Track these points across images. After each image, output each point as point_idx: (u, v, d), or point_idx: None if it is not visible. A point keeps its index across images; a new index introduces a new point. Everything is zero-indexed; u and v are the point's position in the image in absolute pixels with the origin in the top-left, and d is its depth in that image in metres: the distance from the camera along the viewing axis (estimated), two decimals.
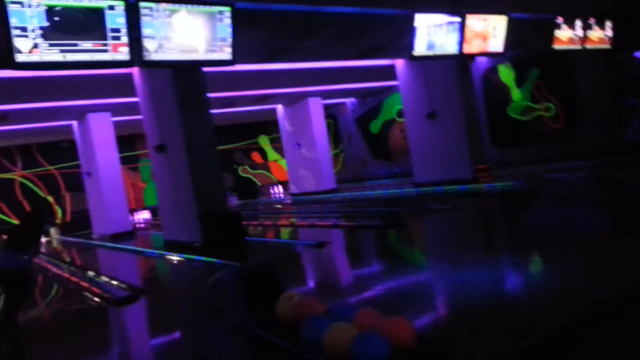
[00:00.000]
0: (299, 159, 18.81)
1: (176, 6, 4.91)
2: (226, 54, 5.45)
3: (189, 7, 5.01)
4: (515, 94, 15.35)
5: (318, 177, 18.04)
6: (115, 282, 6.97)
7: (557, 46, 8.62)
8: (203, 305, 3.42)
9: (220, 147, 21.51)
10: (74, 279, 7.93)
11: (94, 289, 6.75)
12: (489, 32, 7.64)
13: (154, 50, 4.83)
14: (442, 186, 12.51)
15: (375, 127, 20.61)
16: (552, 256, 4.98)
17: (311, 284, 5.80)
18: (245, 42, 9.72)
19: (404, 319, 2.37)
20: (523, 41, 12.77)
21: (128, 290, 6.20)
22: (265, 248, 8.45)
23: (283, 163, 21.36)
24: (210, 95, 12.54)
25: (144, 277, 8.28)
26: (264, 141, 23.95)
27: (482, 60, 15.62)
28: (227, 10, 5.31)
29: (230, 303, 3.09)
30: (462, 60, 11.24)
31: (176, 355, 3.89)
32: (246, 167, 23.29)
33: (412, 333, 2.31)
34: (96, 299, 6.33)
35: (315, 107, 18.14)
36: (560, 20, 8.61)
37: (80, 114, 13.86)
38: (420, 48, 6.92)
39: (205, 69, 8.67)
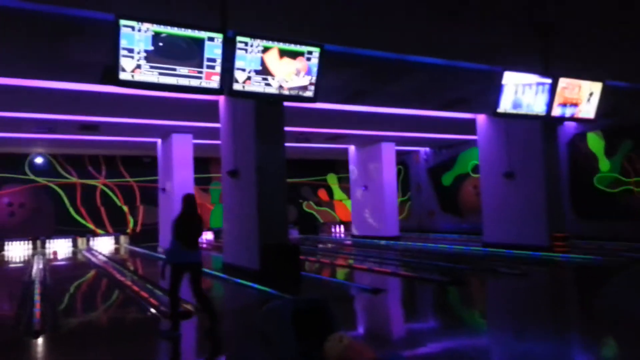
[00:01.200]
0: (365, 202, 18.74)
1: (270, 43, 5.18)
2: (309, 92, 5.62)
3: (281, 45, 5.27)
4: (604, 164, 14.51)
5: (382, 223, 17.82)
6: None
7: None
8: (254, 333, 3.41)
9: (288, 180, 22.14)
10: (135, 287, 8.24)
11: (152, 300, 6.97)
12: (582, 97, 7.34)
13: (242, 82, 5.09)
14: (513, 250, 11.91)
15: (447, 179, 20.20)
16: (614, 339, 4.55)
17: (360, 329, 5.64)
18: (328, 82, 10.02)
19: None
20: (617, 110, 12.17)
21: (181, 307, 6.33)
22: (320, 285, 8.36)
23: (348, 203, 21.36)
24: (287, 128, 13.01)
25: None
26: (332, 179, 24.16)
27: (570, 126, 15.00)
28: (316, 50, 5.52)
29: (280, 334, 3.06)
30: (549, 122, 10.84)
31: None
32: (311, 202, 23.51)
33: None
34: (152, 309, 6.51)
35: (388, 152, 18.13)
36: None
37: (165, 133, 14.75)
38: (505, 105, 6.76)
39: (286, 103, 8.98)
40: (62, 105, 10.49)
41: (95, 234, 18.85)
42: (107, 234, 19.04)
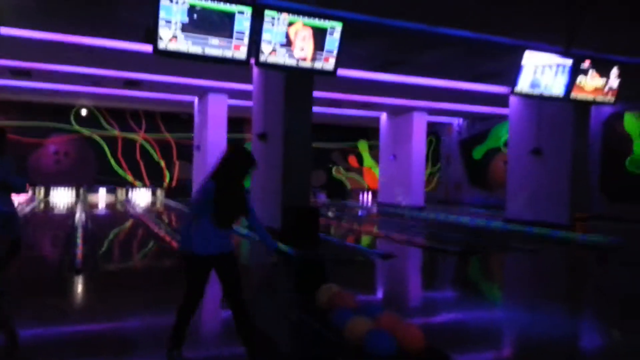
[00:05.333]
0: (393, 170, 18.99)
1: (295, 17, 5.50)
2: (330, 64, 5.94)
3: (306, 19, 5.58)
4: (638, 146, 14.27)
5: (407, 192, 18.10)
6: None
7: None
8: (263, 283, 3.95)
9: (319, 145, 22.57)
10: (168, 238, 8.96)
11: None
12: (602, 84, 7.35)
13: (268, 53, 5.46)
14: (534, 227, 12.07)
15: (478, 153, 20.15)
16: (608, 318, 4.87)
17: (362, 287, 6.11)
18: (360, 51, 10.25)
19: (417, 328, 2.67)
20: (632, 95, 11.83)
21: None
22: (335, 247, 8.88)
23: (377, 171, 21.66)
24: (319, 94, 13.30)
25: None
26: (362, 146, 24.41)
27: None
28: (339, 25, 5.80)
29: (283, 285, 3.58)
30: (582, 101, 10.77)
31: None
32: (341, 168, 23.91)
33: (420, 341, 2.60)
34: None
35: (419, 122, 18.18)
36: None
37: (202, 92, 15.30)
38: (523, 85, 6.89)
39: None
40: (107, 62, 11.12)
41: (133, 186, 19.91)
42: (145, 186, 20.08)
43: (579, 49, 7.50)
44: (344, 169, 24.00)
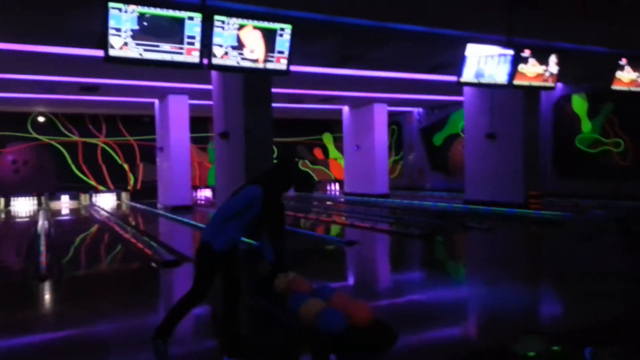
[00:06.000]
0: (356, 161, 19.38)
1: (245, 21, 5.70)
2: (282, 65, 6.16)
3: (256, 22, 5.78)
4: (586, 125, 15.03)
5: (372, 181, 18.52)
6: (166, 248, 7.94)
7: (616, 87, 8.56)
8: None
9: (284, 140, 22.79)
10: (134, 241, 9.03)
11: (147, 251, 7.75)
12: (542, 71, 7.83)
13: (220, 56, 5.63)
14: (492, 207, 12.63)
15: (438, 139, 20.74)
16: (547, 284, 5.31)
17: (322, 273, 6.40)
18: (315, 48, 10.49)
19: (364, 304, 2.95)
20: (584, 78, 12.55)
21: (175, 256, 7.11)
22: (302, 238, 9.15)
23: (342, 162, 22.01)
24: (280, 90, 13.48)
25: (193, 246, 9.25)
26: (327, 139, 24.73)
27: (556, 88, 15.37)
28: (288, 27, 6.02)
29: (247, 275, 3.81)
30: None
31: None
32: (307, 161, 24.18)
33: (368, 315, 2.88)
34: (152, 263, 7.24)
35: (380, 113, 18.60)
36: (623, 61, 8.54)
37: (162, 94, 15.25)
38: (467, 76, 7.28)
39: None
40: (61, 68, 11.00)
41: (97, 191, 19.65)
42: (109, 190, 19.85)
43: (520, 38, 7.92)
44: (310, 162, 24.28)
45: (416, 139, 21.88)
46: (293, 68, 9.04)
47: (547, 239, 9.03)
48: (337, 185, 24.07)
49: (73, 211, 16.55)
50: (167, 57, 5.36)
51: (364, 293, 5.17)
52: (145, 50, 5.26)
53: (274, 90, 10.27)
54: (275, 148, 23.11)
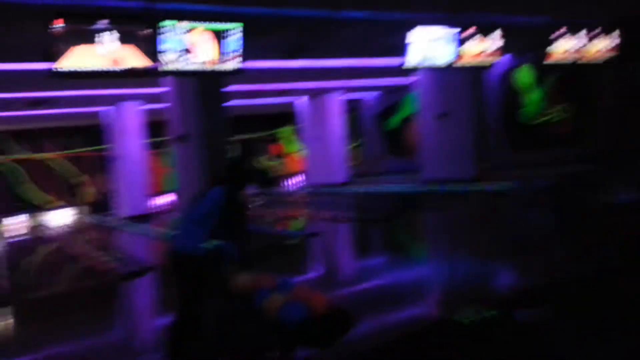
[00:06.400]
0: (316, 152, 19.57)
1: (194, 23, 5.76)
2: (235, 64, 6.26)
3: (205, 24, 5.86)
4: (533, 95, 15.63)
5: (331, 171, 18.74)
6: (126, 260, 7.90)
7: (552, 60, 9.02)
8: None
9: (242, 137, 22.70)
10: (91, 255, 8.89)
11: (107, 265, 7.67)
12: (487, 47, 8.18)
13: (170, 61, 5.70)
14: (446, 184, 13.10)
15: (394, 123, 21.16)
16: (490, 252, 5.71)
17: (285, 267, 6.59)
18: (267, 42, 10.56)
19: (322, 295, 3.20)
20: (525, 49, 13.07)
21: (136, 267, 7.09)
22: (264, 236, 9.29)
23: (303, 154, 22.14)
24: (234, 87, 13.46)
25: (154, 255, 9.25)
26: (286, 132, 24.78)
27: (503, 60, 15.90)
28: (239, 26, 6.11)
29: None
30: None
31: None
32: (267, 156, 24.20)
33: (326, 304, 3.11)
34: (108, 274, 7.19)
35: (335, 102, 18.82)
36: (563, 30, 8.92)
37: (114, 101, 14.98)
38: (412, 61, 7.58)
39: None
40: (5, 84, 10.69)
41: (52, 207, 19.10)
42: (64, 205, 19.33)
43: (464, 15, 8.19)
44: (269, 156, 24.31)
45: (373, 125, 22.23)
46: (246, 64, 9.11)
47: (496, 211, 9.52)
48: (299, 177, 24.22)
49: (28, 230, 16.10)
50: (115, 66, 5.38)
51: (327, 282, 5.41)
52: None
53: (229, 88, 10.31)
54: (235, 146, 23.04)
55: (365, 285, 5.26)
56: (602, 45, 9.73)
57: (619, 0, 9.42)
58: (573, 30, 9.30)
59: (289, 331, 3.04)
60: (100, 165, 19.39)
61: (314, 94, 18.98)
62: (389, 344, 3.26)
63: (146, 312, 5.58)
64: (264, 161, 24.12)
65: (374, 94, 21.69)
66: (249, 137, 23.49)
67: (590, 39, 9.53)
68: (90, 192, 19.83)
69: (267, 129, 24.23)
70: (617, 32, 10.35)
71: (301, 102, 20.06)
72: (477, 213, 9.83)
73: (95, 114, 16.51)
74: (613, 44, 9.93)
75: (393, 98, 20.93)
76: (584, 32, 9.47)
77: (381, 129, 21.68)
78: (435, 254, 6.31)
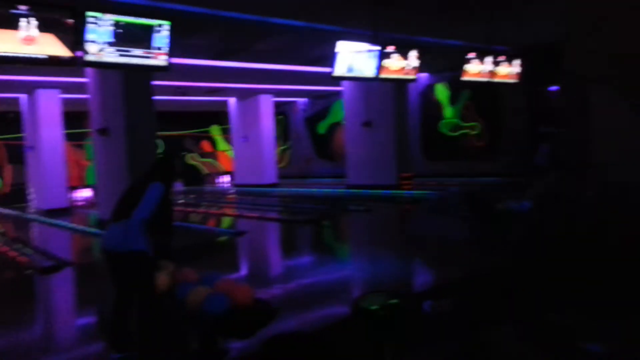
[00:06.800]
0: (245, 152, 19.60)
1: (119, 17, 5.71)
2: (161, 60, 6.25)
3: (132, 19, 5.82)
4: (448, 111, 16.76)
5: (261, 171, 18.89)
6: (42, 254, 7.59)
7: (466, 78, 9.84)
8: None
9: (171, 133, 22.21)
10: (4, 249, 8.43)
11: (22, 259, 7.34)
12: (404, 65, 8.77)
13: (94, 53, 5.61)
14: (370, 190, 13.70)
15: (322, 128, 21.65)
16: (391, 253, 6.25)
17: (213, 264, 6.71)
18: (198, 41, 10.52)
19: (247, 287, 3.37)
20: (444, 68, 14.09)
21: (53, 261, 6.85)
22: (191, 233, 9.27)
23: (231, 154, 22.06)
24: (164, 83, 13.21)
25: (72, 250, 8.94)
26: (215, 131, 24.52)
27: (423, 77, 16.94)
28: (166, 23, 6.13)
29: None
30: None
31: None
32: (195, 154, 23.82)
33: (249, 296, 3.29)
34: (23, 269, 6.93)
35: (265, 104, 18.97)
36: (472, 55, 9.83)
37: (30, 88, 14.13)
38: (340, 70, 7.97)
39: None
40: None
41: None
42: None
43: (385, 33, 8.76)
44: (199, 154, 23.95)
45: (302, 129, 22.61)
46: (176, 60, 8.99)
47: (409, 216, 10.16)
48: (227, 177, 24.06)
49: None
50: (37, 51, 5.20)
51: (252, 279, 5.58)
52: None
53: (157, 82, 10.14)
54: (161, 142, 22.47)
55: (288, 280, 5.50)
56: (507, 71, 10.69)
57: (523, 31, 10.44)
58: (480, 57, 10.16)
59: (210, 322, 3.17)
60: (15, 154, 18.13)
61: (243, 95, 19.01)
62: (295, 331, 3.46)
63: (62, 307, 5.43)
64: (195, 158, 23.71)
65: (304, 99, 22.12)
66: (181, 133, 23.02)
67: (495, 65, 10.44)
68: (1, 182, 18.47)
69: (199, 126, 23.87)
70: (518, 61, 11.31)
71: (233, 102, 20.01)
72: (395, 216, 10.43)
73: (10, 99, 15.46)
74: (515, 71, 10.93)
75: (323, 103, 21.46)
76: (490, 58, 10.35)
77: (311, 132, 22.13)
78: (355, 252, 6.70)
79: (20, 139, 17.06)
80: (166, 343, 3.56)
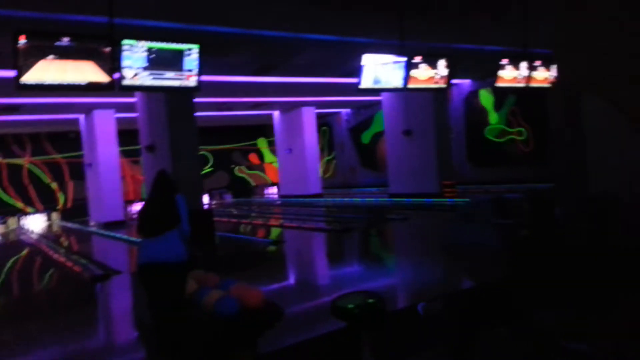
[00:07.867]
0: (290, 163, 20.01)
1: (153, 43, 6.16)
2: (192, 82, 6.65)
3: (163, 44, 6.26)
4: (493, 117, 16.43)
5: (305, 182, 19.20)
6: (95, 264, 8.16)
7: (500, 84, 9.64)
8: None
9: (219, 147, 23.05)
10: (68, 263, 9.08)
11: (77, 269, 7.91)
12: (433, 74, 8.75)
13: (130, 77, 6.07)
14: (412, 198, 13.64)
15: (366, 137, 21.76)
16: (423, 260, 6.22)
17: (244, 268, 6.99)
18: (237, 59, 11.00)
19: (258, 290, 3.55)
20: (487, 74, 13.81)
21: (104, 271, 7.36)
22: (232, 242, 9.64)
23: (277, 166, 22.57)
24: (207, 100, 13.80)
25: (123, 261, 9.49)
26: (262, 143, 25.18)
27: (465, 84, 16.74)
28: (195, 47, 6.54)
29: None
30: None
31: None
32: (243, 167, 24.53)
33: (259, 299, 3.47)
34: (81, 280, 7.45)
35: (308, 116, 19.33)
36: (505, 61, 9.63)
37: (87, 109, 15.18)
38: (366, 83, 8.10)
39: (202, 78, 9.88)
40: None
41: (25, 213, 19.09)
42: (38, 211, 19.33)
43: (412, 43, 8.80)
44: (246, 167, 24.65)
45: (346, 139, 22.81)
46: (216, 78, 9.42)
47: (445, 224, 10.02)
48: (274, 188, 24.58)
49: (1, 236, 16.07)
50: (79, 79, 5.70)
51: (287, 286, 5.75)
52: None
53: (201, 99, 10.61)
54: (210, 156, 23.32)
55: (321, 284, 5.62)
56: (544, 76, 10.36)
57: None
58: (515, 62, 9.94)
59: (221, 324, 3.37)
60: (76, 171, 19.46)
61: (286, 108, 19.45)
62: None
63: (116, 314, 5.81)
64: (243, 170, 24.45)
65: (347, 109, 22.33)
66: (230, 147, 23.86)
67: (532, 70, 10.14)
68: (64, 197, 19.82)
69: (247, 139, 24.65)
70: (555, 66, 10.90)
71: (277, 115, 20.52)
72: (432, 224, 10.33)
73: (70, 120, 16.65)
74: (553, 76, 10.58)
75: (366, 113, 21.58)
76: (524, 63, 10.09)
77: (355, 143, 22.29)
78: (385, 258, 6.78)
79: (81, 156, 18.31)
80: (182, 344, 3.79)
